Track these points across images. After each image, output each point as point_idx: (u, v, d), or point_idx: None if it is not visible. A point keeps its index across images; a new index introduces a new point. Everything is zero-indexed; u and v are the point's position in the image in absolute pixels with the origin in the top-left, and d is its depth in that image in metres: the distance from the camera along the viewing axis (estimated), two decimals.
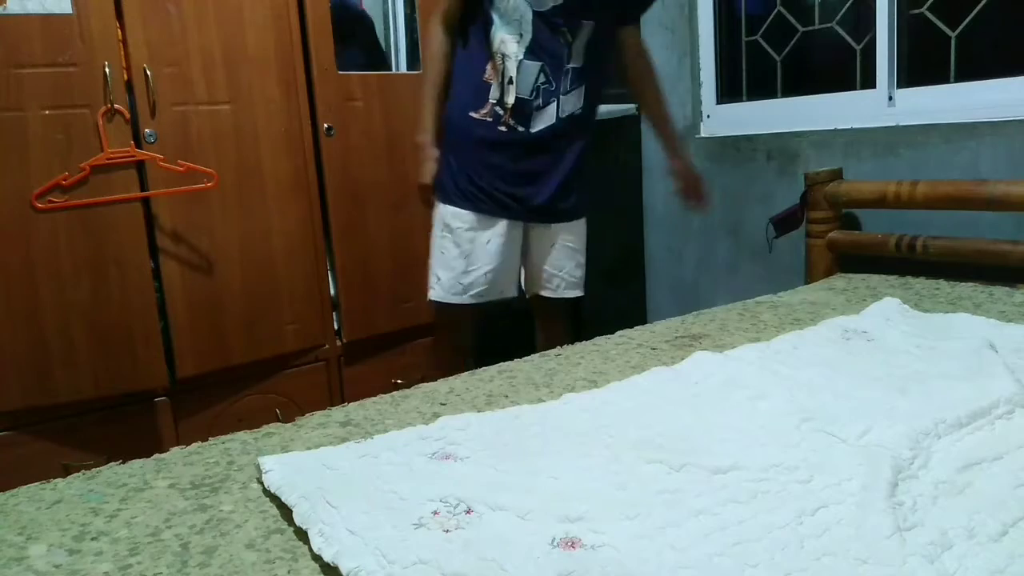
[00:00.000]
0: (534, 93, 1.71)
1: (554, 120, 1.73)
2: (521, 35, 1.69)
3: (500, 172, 1.74)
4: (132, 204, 1.78)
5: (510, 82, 1.71)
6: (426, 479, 0.84)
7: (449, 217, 1.75)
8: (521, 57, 1.70)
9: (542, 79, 1.71)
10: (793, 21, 2.42)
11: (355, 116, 2.11)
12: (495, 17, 1.71)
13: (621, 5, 1.81)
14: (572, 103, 1.74)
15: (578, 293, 1.90)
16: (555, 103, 1.73)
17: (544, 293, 1.87)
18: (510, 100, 1.71)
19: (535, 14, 1.68)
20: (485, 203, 1.74)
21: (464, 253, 1.74)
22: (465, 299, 1.76)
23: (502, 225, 1.75)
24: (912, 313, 1.50)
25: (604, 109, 2.62)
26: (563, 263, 1.85)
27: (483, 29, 1.71)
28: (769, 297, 1.80)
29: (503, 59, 1.71)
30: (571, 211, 1.83)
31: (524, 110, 1.72)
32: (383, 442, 0.95)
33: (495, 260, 1.75)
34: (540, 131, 1.73)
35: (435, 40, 1.78)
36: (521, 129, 1.73)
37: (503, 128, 1.72)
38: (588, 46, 1.72)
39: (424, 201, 1.83)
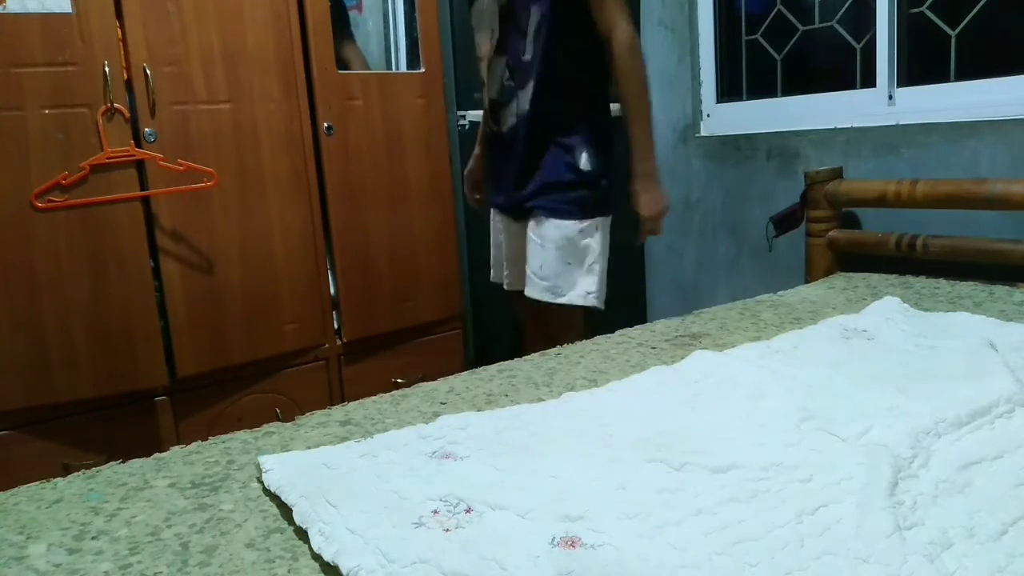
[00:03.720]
0: (501, 92, 1.70)
1: (515, 118, 1.70)
2: (492, 31, 1.67)
3: (490, 168, 1.91)
4: (132, 203, 1.78)
5: (482, 84, 1.76)
6: (426, 478, 0.84)
7: None
8: (492, 56, 1.69)
9: (507, 76, 1.66)
10: (793, 20, 2.42)
11: (355, 116, 2.11)
12: (473, 21, 1.72)
13: None
14: (525, 99, 1.66)
15: (546, 297, 1.70)
16: (515, 101, 1.68)
17: (526, 291, 1.75)
18: (485, 102, 1.78)
19: (499, 7, 1.64)
20: (489, 198, 1.94)
21: (492, 243, 1.96)
22: (498, 281, 1.97)
23: (497, 219, 1.91)
24: (912, 312, 1.50)
25: None
26: (531, 260, 1.72)
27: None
28: (769, 296, 1.80)
29: (479, 62, 1.75)
30: (538, 208, 1.69)
31: (495, 110, 1.75)
32: (383, 441, 0.95)
33: (495, 251, 1.95)
34: (507, 130, 1.73)
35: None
36: (495, 128, 1.78)
37: (489, 129, 1.82)
38: (536, 34, 1.60)
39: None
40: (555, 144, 1.67)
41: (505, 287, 1.92)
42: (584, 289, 1.69)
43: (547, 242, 1.68)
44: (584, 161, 1.66)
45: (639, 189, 1.63)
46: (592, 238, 1.68)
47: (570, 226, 1.67)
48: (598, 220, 1.69)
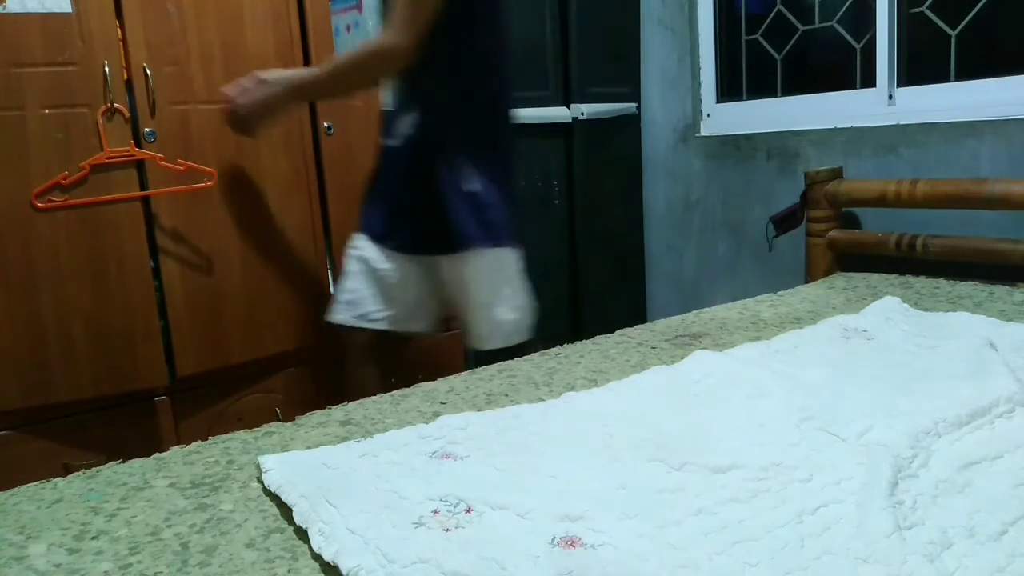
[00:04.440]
0: (397, 102, 1.52)
1: (407, 129, 1.51)
2: None
3: (372, 187, 1.63)
4: (132, 203, 1.78)
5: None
6: (426, 478, 0.84)
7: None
8: None
9: (402, 84, 1.48)
10: (793, 20, 2.42)
11: (355, 116, 2.11)
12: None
13: None
14: (408, 120, 1.49)
15: (481, 345, 1.56)
16: (407, 111, 1.50)
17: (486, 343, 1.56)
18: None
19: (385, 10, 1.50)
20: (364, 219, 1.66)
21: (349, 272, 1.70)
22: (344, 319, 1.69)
23: (376, 250, 1.65)
24: (912, 312, 1.50)
25: (603, 109, 2.64)
26: (497, 301, 1.55)
27: None
28: (769, 296, 1.80)
29: None
30: (432, 244, 1.55)
31: (385, 122, 1.55)
32: (383, 441, 0.95)
33: (354, 282, 1.71)
34: (389, 144, 1.52)
35: None
36: (381, 142, 1.58)
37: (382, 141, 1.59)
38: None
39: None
40: (444, 167, 1.49)
41: (386, 326, 1.70)
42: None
43: (461, 281, 1.55)
44: (475, 185, 1.49)
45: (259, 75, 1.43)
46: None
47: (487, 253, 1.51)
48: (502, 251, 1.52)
